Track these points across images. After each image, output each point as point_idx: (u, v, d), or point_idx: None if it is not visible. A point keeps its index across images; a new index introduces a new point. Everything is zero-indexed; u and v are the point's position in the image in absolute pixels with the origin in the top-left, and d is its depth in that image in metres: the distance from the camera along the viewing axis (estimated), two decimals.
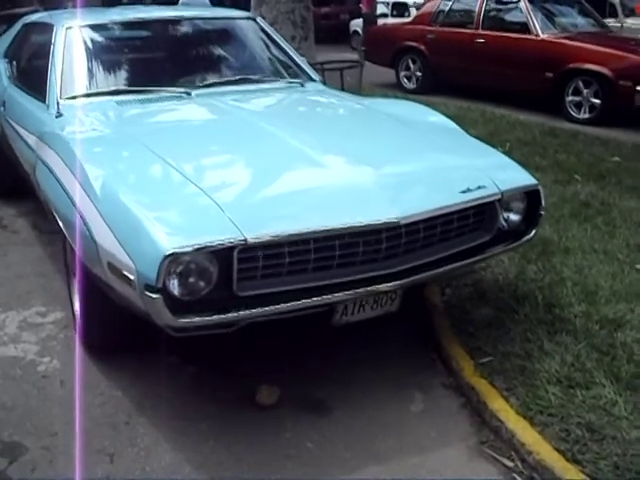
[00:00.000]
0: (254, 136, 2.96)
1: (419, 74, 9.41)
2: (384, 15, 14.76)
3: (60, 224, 2.78)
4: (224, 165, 2.72)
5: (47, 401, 2.70)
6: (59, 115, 3.29)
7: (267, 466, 2.38)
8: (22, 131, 3.67)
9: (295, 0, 7.35)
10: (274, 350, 3.00)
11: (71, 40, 3.67)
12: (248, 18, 4.25)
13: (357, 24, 15.52)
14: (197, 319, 2.24)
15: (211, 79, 3.70)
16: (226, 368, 2.90)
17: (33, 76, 3.92)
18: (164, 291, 2.18)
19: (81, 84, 3.51)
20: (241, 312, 2.30)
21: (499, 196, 2.78)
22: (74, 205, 2.56)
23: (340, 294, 2.46)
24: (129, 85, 3.56)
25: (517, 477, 2.35)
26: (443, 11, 9.06)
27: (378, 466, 2.39)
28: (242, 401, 2.69)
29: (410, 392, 2.81)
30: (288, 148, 2.80)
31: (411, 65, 9.50)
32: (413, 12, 14.74)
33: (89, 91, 3.49)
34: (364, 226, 2.43)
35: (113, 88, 3.48)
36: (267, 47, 4.12)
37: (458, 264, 2.76)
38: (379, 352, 3.07)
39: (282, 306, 2.36)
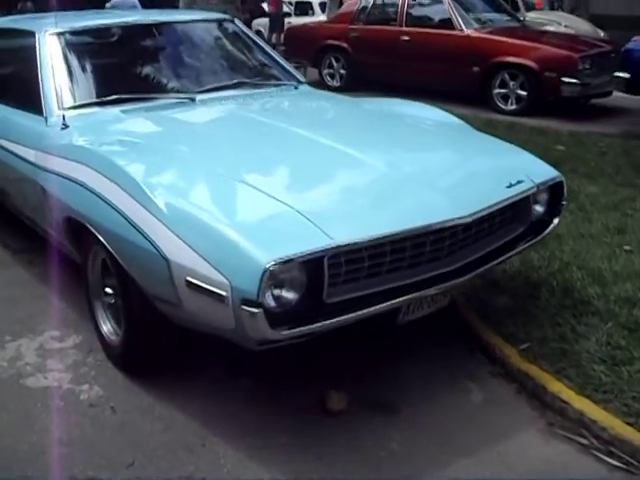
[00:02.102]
0: (290, 141, 2.92)
1: (343, 72, 9.52)
2: (287, 14, 14.78)
3: (102, 240, 2.61)
4: (280, 172, 2.66)
5: (105, 430, 2.54)
6: (65, 127, 3.09)
7: (363, 470, 2.37)
8: (10, 145, 3.41)
9: (227, 1, 7.28)
10: (322, 354, 2.98)
11: (58, 47, 3.46)
12: (228, 20, 4.16)
13: (260, 24, 15.46)
14: (294, 330, 2.21)
15: (210, 84, 3.59)
16: (278, 378, 2.85)
17: (13, 87, 3.66)
18: (263, 304, 2.12)
19: (78, 94, 3.33)
20: (332, 320, 2.28)
21: (535, 189, 2.91)
22: (130, 222, 2.42)
23: (416, 294, 2.49)
24: (128, 92, 3.38)
25: (596, 453, 2.48)
26: (365, 9, 9.22)
27: (468, 459, 2.44)
28: (311, 409, 2.66)
29: (464, 384, 2.88)
30: (332, 151, 2.78)
31: (334, 63, 9.61)
32: (317, 10, 14.92)
33: (88, 101, 3.30)
34: (438, 225, 2.47)
35: (114, 97, 3.30)
36: (252, 49, 4.05)
37: (504, 256, 2.85)
38: (419, 348, 3.12)
39: (367, 310, 2.36)
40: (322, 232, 2.24)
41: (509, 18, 8.96)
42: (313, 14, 14.54)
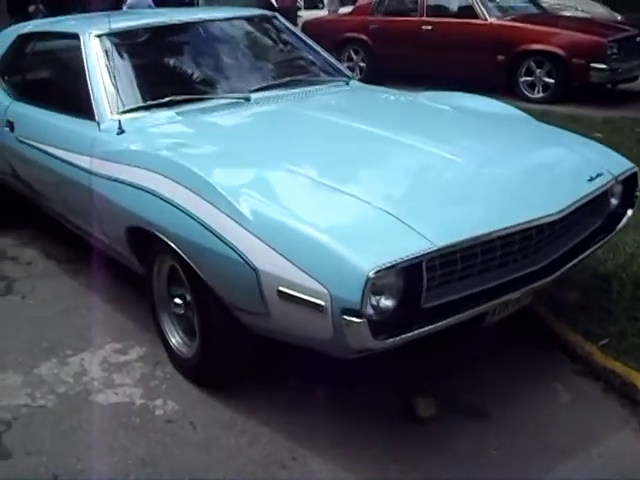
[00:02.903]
0: (363, 139, 2.81)
1: (362, 64, 9.39)
2: (298, 8, 14.63)
3: (177, 250, 2.50)
4: (363, 173, 2.54)
5: (189, 447, 2.44)
6: (121, 132, 2.98)
7: (462, 476, 2.29)
8: (56, 151, 3.30)
9: None
10: (399, 358, 2.87)
11: (104, 49, 3.33)
12: (271, 16, 4.04)
13: None
14: (396, 338, 2.11)
15: (261, 82, 3.47)
16: (358, 386, 2.75)
17: (57, 92, 3.55)
18: (364, 314, 2.02)
19: (130, 97, 3.19)
20: (431, 325, 2.18)
21: (613, 182, 2.80)
22: (211, 231, 2.31)
23: (510, 295, 2.40)
24: (179, 94, 3.27)
25: None
26: (384, 1, 9.07)
27: (571, 461, 2.35)
28: (399, 417, 2.56)
29: (548, 384, 2.78)
30: (409, 149, 2.68)
31: (354, 56, 9.48)
32: (326, 2, 14.75)
33: (140, 104, 3.18)
34: (529, 222, 2.37)
35: (167, 99, 3.19)
36: (298, 45, 3.93)
37: (587, 252, 2.75)
38: (495, 348, 3.01)
39: (463, 314, 2.27)
40: (420, 235, 2.14)
41: (530, 4, 8.80)
42: (323, 7, 14.38)
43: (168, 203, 2.49)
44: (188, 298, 2.72)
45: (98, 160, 2.99)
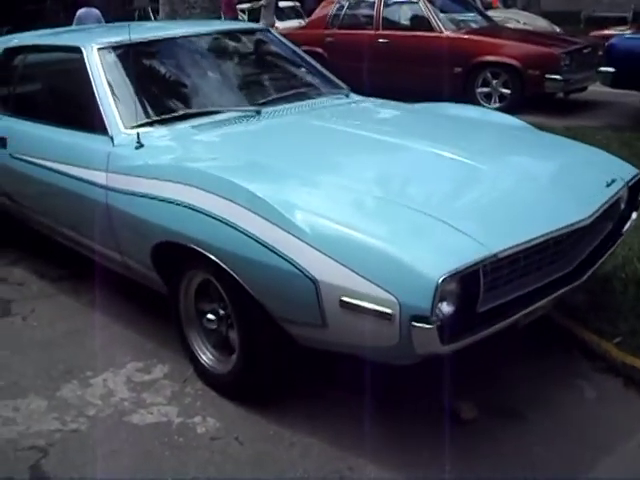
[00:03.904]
0: (391, 151, 2.86)
1: None
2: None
3: (222, 265, 2.47)
4: (403, 183, 2.57)
5: (242, 464, 2.41)
6: (140, 146, 2.93)
7: (516, 475, 2.35)
8: (65, 168, 3.19)
9: (209, 11, 7.11)
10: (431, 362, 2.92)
11: (109, 62, 3.28)
12: (265, 30, 4.05)
13: None
14: (458, 343, 2.16)
15: (268, 96, 3.48)
16: (396, 393, 2.78)
17: (57, 106, 3.46)
18: (433, 320, 2.06)
19: (142, 111, 3.14)
20: (488, 329, 2.25)
21: (625, 187, 2.95)
22: (262, 244, 2.30)
23: (550, 297, 2.49)
24: (190, 107, 3.26)
25: None
26: (339, 14, 9.20)
27: (610, 457, 2.45)
28: (441, 421, 2.60)
29: (573, 382, 2.88)
30: (439, 159, 2.74)
31: None
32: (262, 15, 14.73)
33: (154, 118, 3.14)
34: (568, 227, 2.47)
35: (181, 112, 3.17)
36: (296, 59, 3.96)
37: (607, 253, 2.87)
38: (515, 349, 3.08)
39: (514, 317, 2.34)
40: (478, 242, 2.20)
41: (479, 17, 9.10)
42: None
43: (210, 217, 2.46)
44: (222, 313, 2.70)
45: (116, 175, 2.93)
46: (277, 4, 12.23)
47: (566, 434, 2.56)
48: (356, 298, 2.13)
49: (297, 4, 15.14)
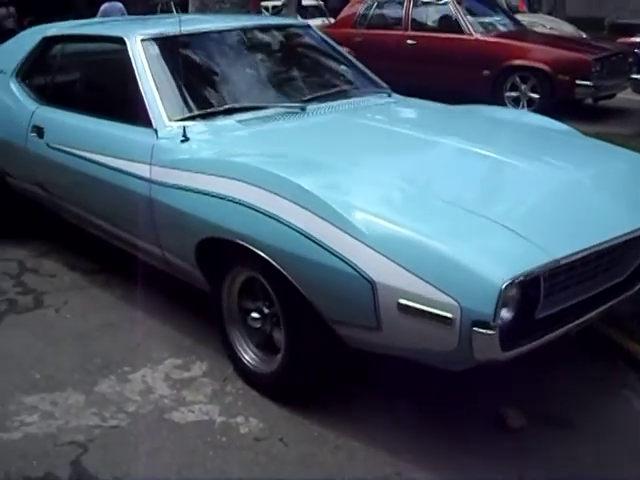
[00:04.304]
0: (444, 152, 2.81)
1: None
2: None
3: (273, 263, 2.41)
4: (464, 186, 2.50)
5: (286, 465, 2.36)
6: (185, 139, 2.89)
7: None
8: (106, 159, 3.15)
9: (239, 5, 7.06)
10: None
11: (153, 53, 3.24)
12: (306, 26, 4.01)
13: None
14: (519, 349, 2.11)
15: (312, 92, 3.42)
16: (435, 398, 2.73)
17: (97, 97, 3.43)
18: (495, 325, 2.01)
19: (187, 104, 3.11)
20: (547, 335, 2.20)
21: None
22: (318, 243, 2.25)
23: (605, 304, 2.44)
24: (233, 102, 3.21)
25: None
26: (367, 14, 9.16)
27: None
28: (487, 427, 2.55)
29: (619, 392, 2.82)
30: (494, 162, 2.69)
31: None
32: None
33: (198, 112, 3.10)
34: (626, 235, 2.41)
35: (226, 106, 3.12)
36: (337, 56, 3.90)
37: None
38: (558, 357, 3.03)
39: (573, 324, 2.30)
40: (539, 248, 2.15)
41: (509, 21, 9.02)
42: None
43: (262, 214, 2.41)
44: (266, 311, 2.65)
45: (161, 168, 2.89)
46: (300, 2, 12.14)
47: (615, 442, 2.51)
48: (415, 301, 2.08)
49: (321, 3, 15.08)
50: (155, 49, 3.27)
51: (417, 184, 2.46)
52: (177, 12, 13.26)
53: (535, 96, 7.84)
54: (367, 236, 2.18)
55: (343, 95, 3.49)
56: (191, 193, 2.71)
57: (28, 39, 4.04)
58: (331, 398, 2.69)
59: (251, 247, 2.47)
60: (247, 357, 2.77)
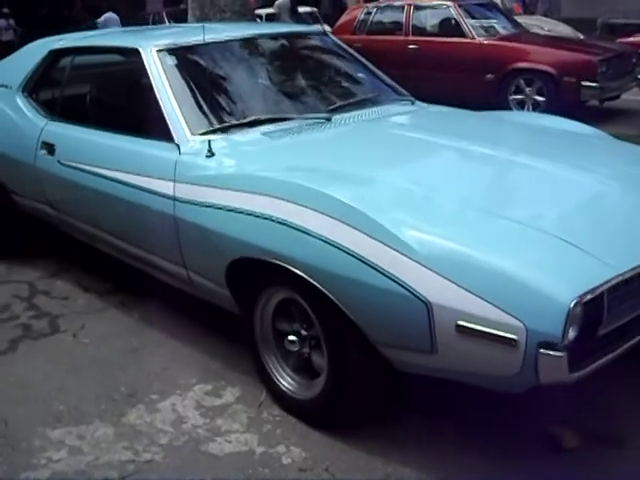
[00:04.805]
0: (481, 162, 2.69)
1: None
2: None
3: (315, 284, 2.28)
4: (515, 198, 2.40)
5: None
6: (211, 154, 2.76)
7: None
8: (124, 176, 3.00)
9: (240, 14, 6.95)
10: None
11: (171, 65, 3.11)
12: (323, 33, 3.89)
13: None
14: (586, 370, 1.99)
15: (336, 102, 3.30)
16: (478, 419, 2.60)
17: (112, 111, 3.29)
18: (564, 346, 1.89)
19: (208, 117, 2.98)
20: (612, 353, 2.09)
21: None
22: (366, 263, 2.12)
23: None
24: (256, 113, 3.08)
25: None
26: (366, 20, 9.07)
27: None
28: (539, 449, 2.43)
29: None
30: (540, 172, 2.57)
31: None
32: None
33: (221, 125, 2.97)
34: None
35: (249, 118, 3.00)
36: (357, 63, 3.79)
37: None
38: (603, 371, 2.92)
39: (634, 340, 2.18)
40: (603, 263, 2.03)
41: (509, 24, 8.95)
42: None
43: (302, 232, 2.27)
44: (304, 334, 2.52)
45: (186, 185, 2.75)
46: (296, 9, 12.02)
47: None
48: (475, 323, 1.96)
49: (315, 10, 14.99)
50: (171, 60, 3.14)
51: (464, 197, 2.34)
52: (169, 22, 13.15)
53: (540, 99, 7.76)
54: (420, 254, 2.05)
55: (367, 104, 3.37)
56: (222, 211, 2.57)
57: (33, 53, 3.89)
58: (371, 421, 2.57)
59: (290, 267, 2.34)
60: (284, 382, 2.63)
